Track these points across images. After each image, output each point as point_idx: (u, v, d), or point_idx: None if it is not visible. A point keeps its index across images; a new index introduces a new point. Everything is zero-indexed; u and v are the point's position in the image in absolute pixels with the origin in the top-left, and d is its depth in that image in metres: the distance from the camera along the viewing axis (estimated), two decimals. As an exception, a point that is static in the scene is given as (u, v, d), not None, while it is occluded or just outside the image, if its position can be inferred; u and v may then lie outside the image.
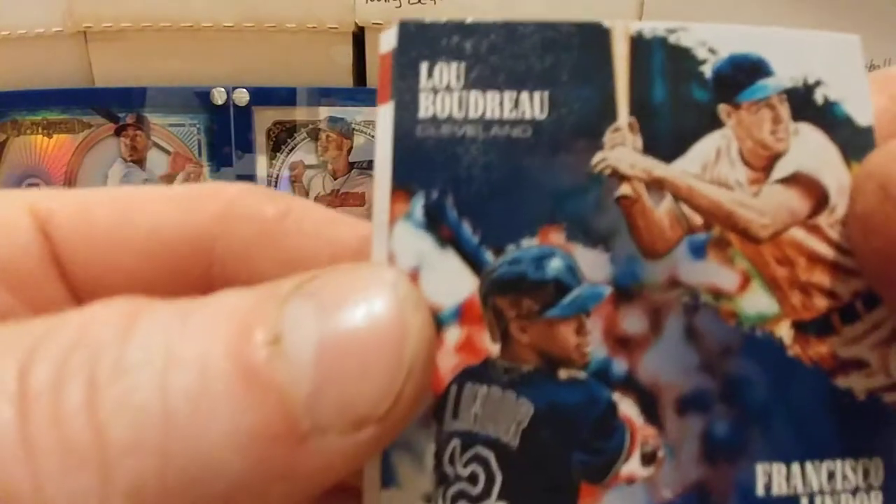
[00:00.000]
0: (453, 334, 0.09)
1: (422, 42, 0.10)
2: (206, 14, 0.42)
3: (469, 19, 0.10)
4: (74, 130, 0.42)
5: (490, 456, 0.09)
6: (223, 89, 0.41)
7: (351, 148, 0.42)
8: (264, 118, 0.42)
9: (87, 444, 0.06)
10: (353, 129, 0.42)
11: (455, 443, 0.09)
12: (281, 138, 0.42)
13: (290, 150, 0.42)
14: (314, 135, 0.42)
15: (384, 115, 0.09)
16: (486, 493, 0.09)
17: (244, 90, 0.41)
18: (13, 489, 0.06)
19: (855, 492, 0.09)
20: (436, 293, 0.09)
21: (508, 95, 0.10)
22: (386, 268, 0.09)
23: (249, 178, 0.42)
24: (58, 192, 0.11)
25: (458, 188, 0.09)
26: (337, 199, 0.42)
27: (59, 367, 0.07)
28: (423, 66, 0.10)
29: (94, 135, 0.42)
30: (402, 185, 0.09)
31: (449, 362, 0.09)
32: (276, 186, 0.42)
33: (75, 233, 0.10)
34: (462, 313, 0.09)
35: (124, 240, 0.11)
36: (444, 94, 0.10)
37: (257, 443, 0.07)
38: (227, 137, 0.42)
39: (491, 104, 0.10)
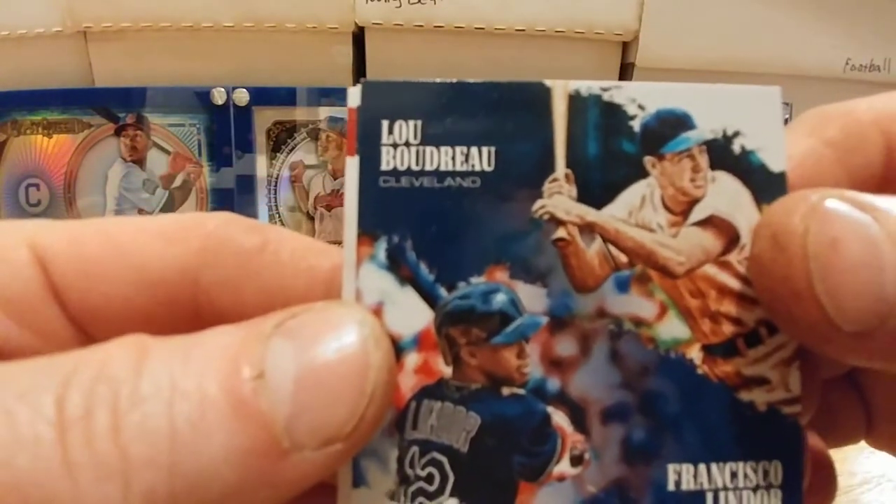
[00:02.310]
0: (412, 359, 0.11)
1: (383, 100, 0.11)
2: (206, 14, 0.42)
3: (424, 80, 0.11)
4: (74, 130, 0.42)
5: (444, 460, 0.11)
6: (223, 89, 0.41)
7: (351, 148, 0.42)
8: (264, 118, 0.42)
9: (113, 460, 0.08)
10: (346, 132, 0.42)
11: (414, 449, 0.11)
12: (281, 138, 0.42)
13: (290, 150, 0.42)
14: (314, 135, 0.42)
15: (351, 167, 0.11)
16: (441, 490, 0.11)
17: (244, 90, 0.41)
18: (56, 497, 0.08)
19: (756, 489, 0.11)
20: (397, 324, 0.11)
21: (460, 150, 0.11)
22: (354, 308, 0.11)
23: (249, 178, 0.42)
24: (52, 224, 0.12)
25: (416, 233, 0.11)
26: (337, 199, 0.42)
27: (87, 397, 0.08)
28: (385, 124, 0.11)
29: (94, 135, 0.42)
30: (367, 231, 0.11)
31: (409, 382, 0.11)
32: (276, 186, 0.42)
33: (69, 266, 0.12)
34: (420, 341, 0.11)
35: (115, 273, 0.12)
36: (402, 148, 0.11)
37: (246, 458, 0.08)
38: (227, 137, 0.42)
39: (444, 158, 0.11)
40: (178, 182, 0.42)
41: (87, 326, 0.12)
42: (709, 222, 0.11)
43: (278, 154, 0.42)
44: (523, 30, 0.42)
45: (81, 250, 0.12)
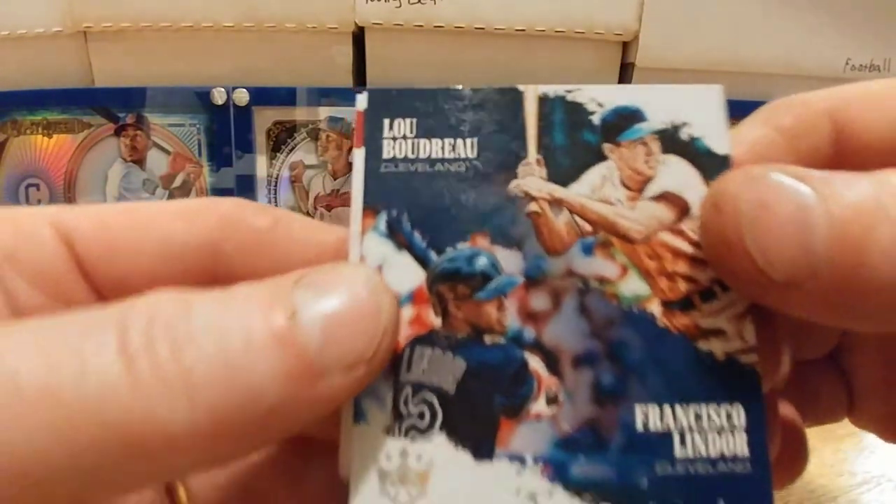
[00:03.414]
0: (407, 312, 0.13)
1: (386, 104, 0.14)
2: (206, 14, 0.42)
3: (419, 87, 0.14)
4: (74, 130, 0.42)
5: (434, 399, 0.12)
6: (223, 89, 0.41)
7: (351, 148, 0.42)
8: (264, 118, 0.42)
9: (178, 381, 0.09)
10: (354, 129, 0.42)
11: (408, 390, 0.12)
12: (281, 138, 0.42)
13: (290, 150, 0.42)
14: (314, 135, 0.42)
15: (358, 156, 0.13)
16: (431, 426, 0.12)
17: (244, 90, 0.41)
18: (130, 414, 0.09)
19: (720, 431, 0.12)
20: (394, 283, 0.13)
21: (448, 142, 0.13)
22: (361, 265, 0.13)
23: (249, 178, 0.42)
24: (72, 207, 0.13)
25: (411, 208, 0.13)
26: (337, 199, 0.42)
27: (145, 335, 0.10)
28: (386, 122, 0.14)
29: (93, 135, 0.42)
30: (371, 206, 0.13)
31: (404, 332, 0.13)
32: (276, 186, 0.42)
33: (95, 241, 0.13)
34: (413, 297, 0.13)
35: (138, 245, 0.13)
36: (401, 141, 0.13)
37: (287, 380, 0.10)
38: (227, 137, 0.42)
39: (435, 148, 0.13)
40: (178, 182, 0.42)
41: (111, 297, 0.13)
42: (662, 197, 0.13)
43: (278, 154, 0.42)
44: (523, 30, 0.42)
45: (104, 227, 0.13)
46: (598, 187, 0.13)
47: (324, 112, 0.42)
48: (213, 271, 0.13)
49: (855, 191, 0.11)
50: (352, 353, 0.11)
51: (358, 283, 0.11)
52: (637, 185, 0.13)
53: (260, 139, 0.42)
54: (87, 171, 0.42)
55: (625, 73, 0.42)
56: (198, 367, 0.10)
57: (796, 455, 0.18)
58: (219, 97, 0.41)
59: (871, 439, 0.29)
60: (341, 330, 0.11)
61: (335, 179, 0.42)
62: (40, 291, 0.13)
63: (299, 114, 0.42)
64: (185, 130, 0.42)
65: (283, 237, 0.14)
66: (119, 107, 0.41)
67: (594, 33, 0.42)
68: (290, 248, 0.14)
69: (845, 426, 0.31)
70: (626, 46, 0.43)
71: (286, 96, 0.41)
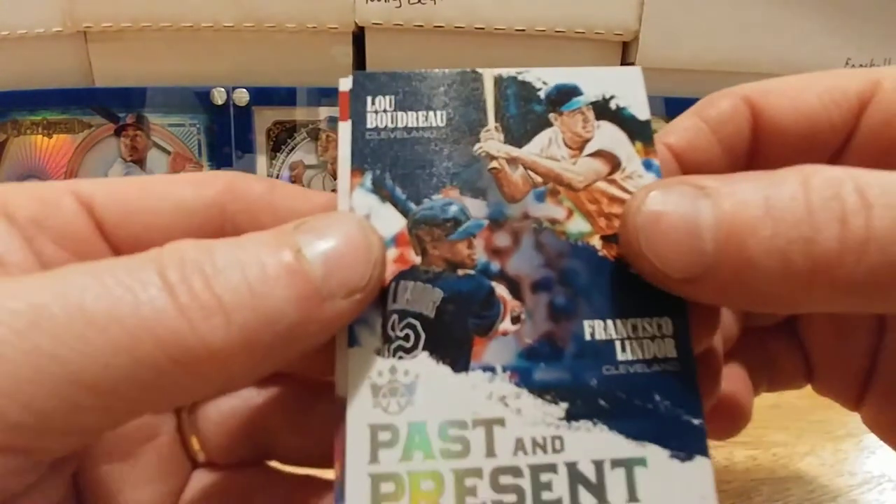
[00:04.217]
0: (391, 252, 0.15)
1: (369, 84, 0.16)
2: (206, 14, 0.42)
3: (397, 71, 0.16)
4: (74, 130, 0.42)
5: (417, 323, 0.14)
6: (223, 89, 0.41)
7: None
8: (264, 118, 0.42)
9: (214, 305, 0.11)
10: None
11: (394, 317, 0.14)
12: (281, 138, 0.42)
13: (290, 150, 0.42)
14: (314, 135, 0.42)
15: (345, 128, 0.16)
16: (415, 346, 0.14)
17: (244, 90, 0.41)
18: (178, 332, 0.11)
19: (653, 338, 0.15)
20: (380, 228, 0.15)
21: (421, 114, 0.16)
22: (351, 212, 0.15)
23: (249, 178, 0.42)
24: (90, 179, 0.15)
25: (392, 167, 0.15)
26: (337, 199, 0.42)
27: (179, 270, 0.11)
28: (369, 99, 0.16)
29: (94, 135, 0.42)
30: (358, 167, 0.16)
31: (389, 269, 0.15)
32: (276, 186, 0.42)
33: (112, 205, 0.15)
34: (396, 240, 0.15)
35: (153, 209, 0.15)
36: (382, 114, 0.16)
37: (299, 302, 0.12)
38: (227, 137, 0.42)
39: (411, 119, 0.16)
40: (178, 182, 0.42)
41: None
42: (598, 154, 0.16)
43: (278, 154, 0.42)
44: (523, 30, 0.42)
45: (120, 193, 0.15)
46: (545, 147, 0.16)
47: (324, 112, 0.42)
48: (220, 230, 0.15)
49: (741, 194, 0.13)
50: (350, 281, 0.13)
51: (350, 225, 0.13)
52: (577, 145, 0.16)
53: (260, 139, 0.42)
54: (87, 171, 0.42)
55: (625, 73, 0.42)
56: (227, 295, 0.11)
57: (732, 421, 0.20)
58: (219, 97, 0.41)
59: (872, 439, 0.29)
60: (340, 262, 0.13)
61: (335, 179, 0.42)
62: (66, 252, 0.14)
63: (299, 114, 0.42)
64: (185, 130, 0.42)
65: (280, 199, 0.16)
66: (119, 107, 0.41)
67: (594, 33, 0.42)
68: (286, 207, 0.16)
69: (845, 426, 0.31)
70: (626, 46, 0.43)
71: (286, 96, 0.41)
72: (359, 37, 0.43)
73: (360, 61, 0.43)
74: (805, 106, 0.17)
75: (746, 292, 0.13)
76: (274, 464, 0.18)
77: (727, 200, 0.13)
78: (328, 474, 0.15)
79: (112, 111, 0.41)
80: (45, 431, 0.10)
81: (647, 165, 0.16)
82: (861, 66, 0.42)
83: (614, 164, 0.16)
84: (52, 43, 0.43)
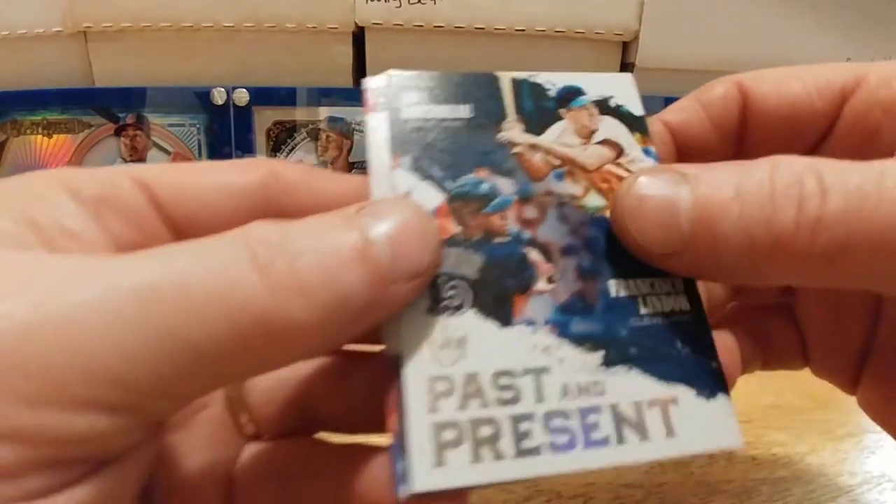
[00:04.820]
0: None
1: (402, 81, 0.18)
2: (206, 14, 0.42)
3: (428, 72, 0.18)
4: (74, 130, 0.42)
5: (463, 285, 0.16)
6: (223, 89, 0.41)
7: (351, 148, 0.42)
8: (264, 118, 0.42)
9: (297, 287, 0.12)
10: (353, 128, 0.42)
11: (442, 279, 0.16)
12: (281, 138, 0.42)
13: (290, 150, 0.42)
14: (314, 135, 0.42)
15: (378, 118, 0.17)
16: (463, 305, 0.16)
17: (244, 90, 0.41)
18: (268, 310, 0.12)
19: (668, 294, 0.17)
20: (422, 202, 0.16)
21: (450, 107, 0.18)
22: (402, 197, 0.16)
23: (249, 178, 0.42)
24: (142, 164, 0.17)
25: (428, 151, 0.17)
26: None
27: (266, 252, 0.12)
28: (403, 93, 0.18)
29: (94, 135, 0.42)
30: (396, 151, 0.17)
31: None
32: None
33: (168, 186, 0.15)
34: (437, 212, 0.16)
35: (204, 189, 0.16)
36: (414, 106, 0.18)
37: (369, 285, 0.13)
38: (227, 137, 0.42)
39: (441, 110, 0.18)
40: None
41: (187, 231, 0.16)
42: (604, 142, 0.18)
43: (278, 154, 0.42)
44: (523, 30, 0.42)
45: (173, 175, 0.16)
46: (559, 137, 0.18)
47: (324, 112, 0.42)
48: (266, 210, 0.16)
49: (716, 180, 0.15)
50: (413, 266, 0.14)
51: (409, 211, 0.14)
52: (585, 135, 0.18)
53: (260, 139, 0.42)
54: (87, 171, 0.42)
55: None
56: (308, 276, 0.12)
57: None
58: (219, 97, 0.41)
59: (872, 439, 0.29)
60: (404, 247, 0.14)
61: (335, 179, 0.42)
62: (130, 228, 0.15)
63: (299, 114, 0.42)
64: (185, 130, 0.42)
65: (315, 181, 0.17)
66: (119, 107, 0.41)
67: (594, 33, 0.42)
68: (322, 189, 0.17)
69: (845, 426, 0.31)
70: (626, 46, 0.43)
71: (286, 96, 0.41)
72: (359, 37, 0.43)
73: (360, 61, 0.43)
74: (790, 93, 0.19)
75: (718, 265, 0.15)
76: (322, 436, 0.19)
77: (703, 186, 0.15)
78: (374, 440, 0.16)
79: (112, 111, 0.41)
80: (156, 394, 0.11)
81: (646, 152, 0.18)
82: (861, 66, 0.42)
83: (618, 150, 0.18)
84: (52, 43, 0.43)
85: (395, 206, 0.14)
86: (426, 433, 0.14)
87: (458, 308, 0.15)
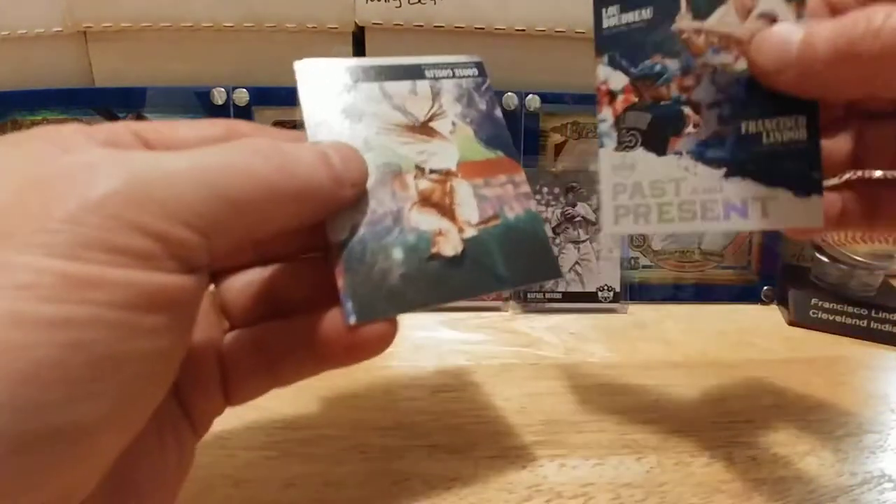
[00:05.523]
0: (621, 97, 0.24)
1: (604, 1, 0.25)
2: (206, 14, 0.42)
3: None
4: (74, 130, 0.42)
5: (637, 132, 0.24)
6: (223, 89, 0.41)
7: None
8: (264, 118, 0.42)
9: (287, 170, 0.18)
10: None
11: (624, 129, 0.24)
12: (281, 138, 0.42)
13: (290, 150, 0.42)
14: (314, 135, 0.42)
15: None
16: (635, 144, 0.24)
17: (244, 90, 0.41)
18: (324, 184, 0.19)
19: (790, 129, 0.22)
20: (614, 84, 0.24)
21: (635, 12, 0.24)
22: (331, 143, 0.21)
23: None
24: (136, 122, 0.20)
25: (619, 49, 0.24)
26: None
27: (280, 151, 0.18)
28: (604, 10, 0.25)
29: (94, 135, 0.42)
30: (600, 52, 0.24)
31: (619, 106, 0.24)
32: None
33: (155, 136, 0.19)
34: (624, 89, 0.24)
35: (185, 137, 0.20)
36: (610, 17, 0.24)
37: (331, 181, 0.19)
38: (227, 137, 0.42)
39: (629, 16, 0.24)
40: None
41: None
42: (761, 16, 0.22)
43: (278, 154, 0.42)
44: (523, 30, 0.42)
45: (159, 126, 0.20)
46: (722, 18, 0.22)
47: (324, 112, 0.42)
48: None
49: (821, 27, 0.19)
50: (355, 176, 0.20)
51: (344, 145, 0.21)
52: (745, 13, 0.22)
53: (260, 139, 0.42)
54: (87, 171, 0.42)
55: (625, 73, 0.42)
56: (293, 169, 0.18)
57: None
58: (219, 97, 0.41)
59: (872, 439, 0.29)
60: (348, 162, 0.20)
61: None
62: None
63: (299, 114, 0.42)
64: (185, 130, 0.42)
65: (264, 132, 0.22)
66: (119, 107, 0.41)
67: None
68: (270, 136, 0.22)
69: (845, 426, 0.31)
70: (627, 46, 0.43)
71: (286, 96, 0.41)
72: (359, 37, 0.43)
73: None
74: None
75: (816, 77, 0.20)
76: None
77: (813, 26, 0.20)
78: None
79: (112, 111, 0.41)
80: (220, 228, 0.16)
81: (799, 17, 0.21)
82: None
83: (772, 20, 0.22)
84: (52, 43, 0.43)
85: (338, 142, 0.21)
86: (611, 212, 0.24)
87: (633, 146, 0.24)
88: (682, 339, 0.39)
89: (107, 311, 0.14)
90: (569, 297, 0.41)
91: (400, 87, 0.24)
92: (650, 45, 0.24)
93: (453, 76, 0.25)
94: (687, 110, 0.23)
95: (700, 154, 0.23)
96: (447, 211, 0.22)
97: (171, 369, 0.16)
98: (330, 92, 0.23)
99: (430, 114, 0.24)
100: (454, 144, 0.23)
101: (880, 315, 0.39)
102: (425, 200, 0.22)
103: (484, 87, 0.25)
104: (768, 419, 0.31)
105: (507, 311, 0.41)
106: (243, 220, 0.17)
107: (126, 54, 0.43)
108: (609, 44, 0.25)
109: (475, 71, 0.26)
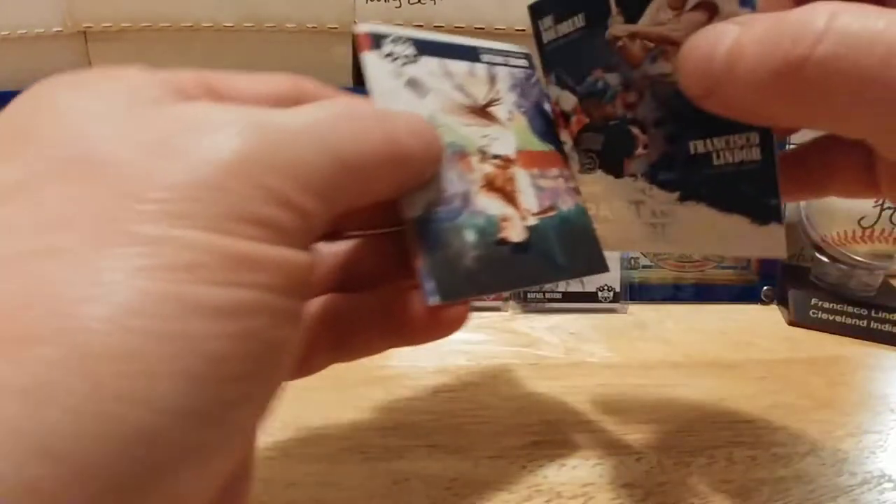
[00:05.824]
0: (574, 119, 0.23)
1: (544, 7, 0.23)
2: (206, 14, 0.42)
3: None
4: (74, 130, 0.42)
5: (593, 155, 0.23)
6: (223, 89, 0.41)
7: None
8: (264, 118, 0.42)
9: (412, 141, 0.17)
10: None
11: (582, 152, 0.24)
12: (281, 138, 0.42)
13: (290, 150, 0.42)
14: (314, 135, 0.42)
15: (365, 59, 0.21)
16: (594, 167, 0.24)
17: (244, 90, 0.41)
18: (415, 150, 0.17)
19: (742, 148, 0.19)
20: (565, 105, 0.23)
21: (572, 21, 0.22)
22: (413, 113, 0.20)
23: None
24: (204, 71, 0.20)
25: (562, 66, 0.23)
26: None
27: (375, 114, 0.17)
28: (539, 22, 0.23)
29: (94, 135, 0.42)
30: (547, 70, 0.23)
31: (574, 128, 0.24)
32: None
33: (225, 87, 0.19)
34: (574, 111, 0.23)
35: (253, 87, 0.20)
36: (547, 32, 0.23)
37: (422, 152, 0.18)
38: (227, 137, 0.42)
39: (567, 27, 0.22)
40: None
41: None
42: (698, 6, 0.19)
43: (278, 154, 0.42)
44: (523, 30, 0.42)
45: (227, 76, 0.20)
46: (655, 14, 0.20)
47: (324, 112, 0.42)
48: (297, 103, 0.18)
49: (755, 30, 0.15)
50: (439, 151, 0.18)
51: (419, 120, 0.18)
52: (678, 5, 0.19)
53: (260, 139, 0.42)
54: (87, 171, 0.42)
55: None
56: (393, 134, 0.16)
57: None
58: (219, 97, 0.41)
59: (872, 439, 0.29)
60: (434, 138, 0.18)
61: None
62: None
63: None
64: (185, 130, 0.42)
65: (326, 91, 0.20)
66: (119, 107, 0.41)
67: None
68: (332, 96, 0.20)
69: (845, 426, 0.31)
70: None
71: (286, 96, 0.41)
72: (359, 37, 0.43)
73: (359, 61, 0.43)
74: None
75: (741, 102, 0.16)
76: None
77: (749, 31, 0.16)
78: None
79: (112, 111, 0.41)
80: (331, 192, 0.14)
81: (743, 3, 0.18)
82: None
83: (712, 10, 0.18)
84: (52, 43, 0.43)
85: (416, 114, 0.19)
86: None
87: (592, 168, 0.23)
88: (682, 339, 0.39)
89: (269, 296, 0.12)
90: (569, 297, 0.41)
91: (459, 66, 0.22)
92: (587, 58, 0.22)
93: (507, 64, 0.24)
94: (635, 130, 0.22)
95: (653, 177, 0.22)
96: (511, 197, 0.21)
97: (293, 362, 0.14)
98: (395, 62, 0.22)
99: (488, 98, 0.23)
100: (511, 132, 0.22)
101: (880, 315, 0.39)
102: (490, 185, 0.21)
103: (533, 80, 0.24)
104: (768, 419, 0.31)
105: (506, 311, 0.41)
106: (356, 188, 0.15)
107: (126, 54, 0.43)
108: (552, 60, 0.23)
109: (525, 62, 0.25)
